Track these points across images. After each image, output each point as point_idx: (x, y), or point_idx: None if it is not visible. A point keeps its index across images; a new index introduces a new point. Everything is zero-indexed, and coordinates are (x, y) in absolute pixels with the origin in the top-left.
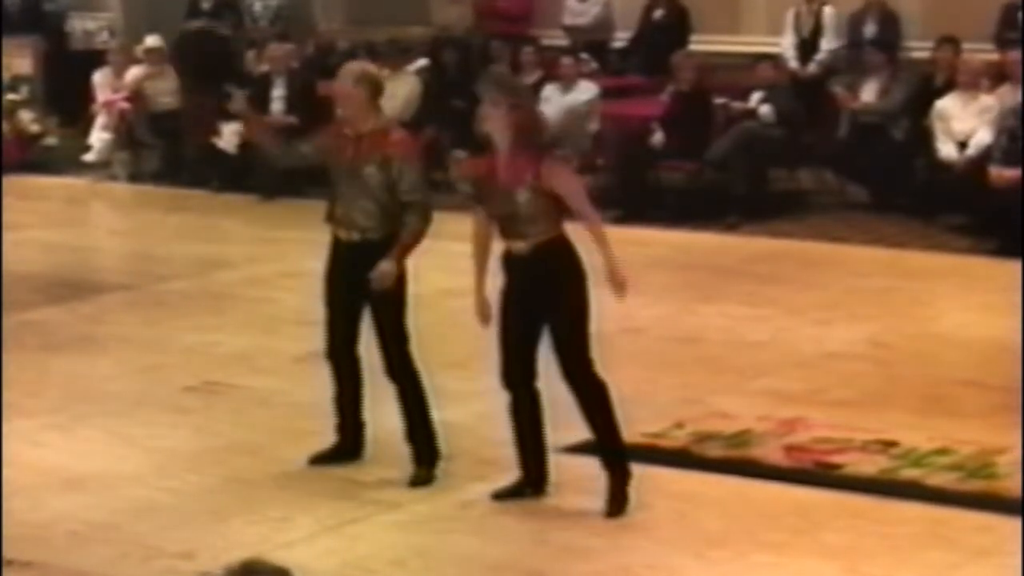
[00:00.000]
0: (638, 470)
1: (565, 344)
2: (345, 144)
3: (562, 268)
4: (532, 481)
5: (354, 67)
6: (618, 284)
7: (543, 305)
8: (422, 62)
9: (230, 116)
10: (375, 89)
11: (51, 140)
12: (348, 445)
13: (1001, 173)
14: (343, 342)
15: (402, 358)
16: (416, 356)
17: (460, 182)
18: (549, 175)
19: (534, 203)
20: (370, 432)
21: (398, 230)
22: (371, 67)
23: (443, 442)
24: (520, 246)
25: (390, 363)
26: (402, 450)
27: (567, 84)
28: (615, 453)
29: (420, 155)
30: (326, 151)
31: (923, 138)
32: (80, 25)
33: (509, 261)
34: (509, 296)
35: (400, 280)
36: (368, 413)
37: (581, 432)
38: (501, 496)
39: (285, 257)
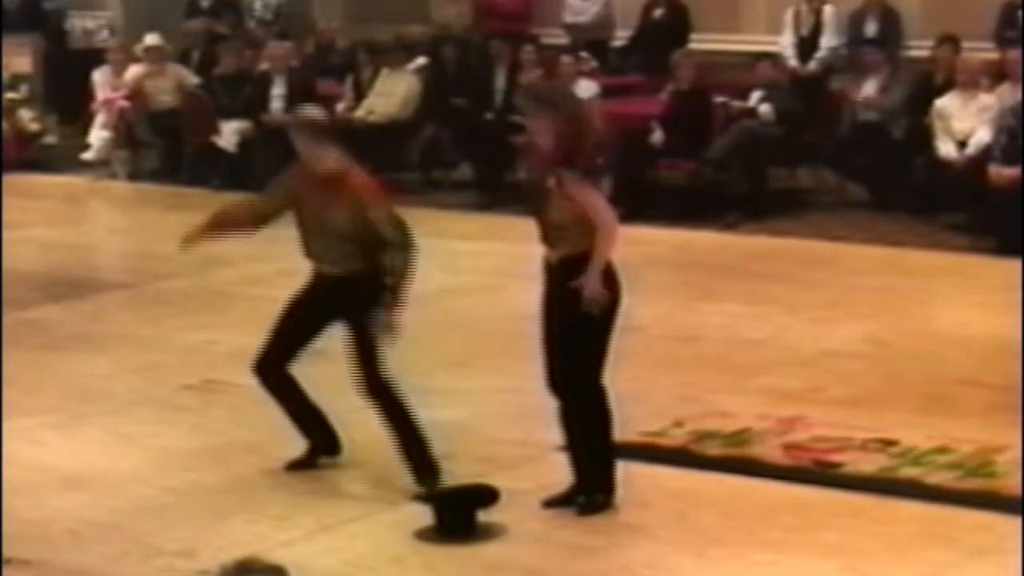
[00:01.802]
0: (637, 469)
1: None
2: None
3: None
4: (584, 488)
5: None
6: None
7: (562, 316)
8: (421, 60)
9: (229, 115)
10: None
11: (50, 138)
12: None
13: (1000, 172)
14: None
15: (378, 379)
16: (415, 356)
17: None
18: (566, 185)
19: (563, 212)
20: (367, 432)
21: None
22: (317, 111)
23: (444, 441)
24: (551, 255)
25: (367, 383)
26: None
27: (567, 83)
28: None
29: (381, 192)
30: (292, 197)
31: (922, 137)
32: (80, 23)
33: (544, 267)
34: (544, 302)
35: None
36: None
37: None
38: (552, 504)
39: (284, 256)
